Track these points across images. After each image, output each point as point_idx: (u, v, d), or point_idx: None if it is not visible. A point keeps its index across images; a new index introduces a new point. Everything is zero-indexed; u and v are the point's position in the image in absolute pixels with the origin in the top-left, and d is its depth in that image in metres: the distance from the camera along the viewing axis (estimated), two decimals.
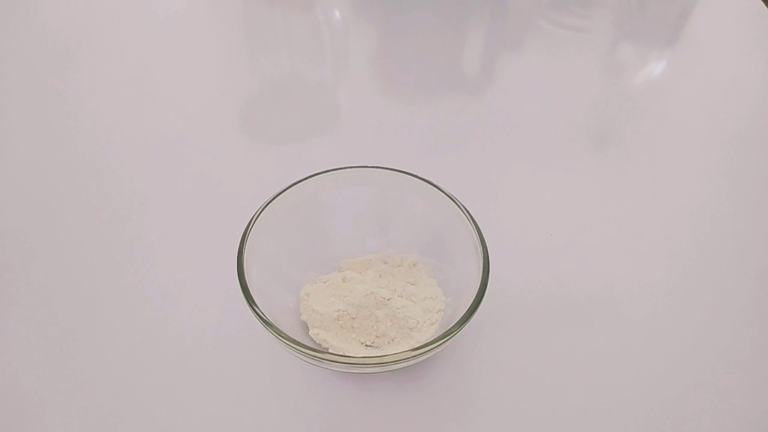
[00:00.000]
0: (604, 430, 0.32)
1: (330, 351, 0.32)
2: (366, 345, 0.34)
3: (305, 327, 0.34)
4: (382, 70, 0.59)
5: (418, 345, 0.30)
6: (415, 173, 0.36)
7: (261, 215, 0.33)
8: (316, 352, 0.29)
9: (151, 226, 0.42)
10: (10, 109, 0.52)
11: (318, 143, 0.50)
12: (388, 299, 0.34)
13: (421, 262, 0.37)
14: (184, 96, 0.54)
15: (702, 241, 0.43)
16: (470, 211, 0.34)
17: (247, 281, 0.30)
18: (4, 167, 0.46)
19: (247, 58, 0.61)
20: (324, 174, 0.36)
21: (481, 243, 0.32)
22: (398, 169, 0.36)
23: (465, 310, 0.30)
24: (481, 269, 0.31)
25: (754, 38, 0.65)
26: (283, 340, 0.29)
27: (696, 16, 0.68)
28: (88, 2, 0.66)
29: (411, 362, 0.30)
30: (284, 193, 0.35)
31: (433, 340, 0.29)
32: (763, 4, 0.68)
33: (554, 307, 0.37)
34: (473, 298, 0.30)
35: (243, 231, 0.32)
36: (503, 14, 0.68)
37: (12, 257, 0.40)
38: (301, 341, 0.29)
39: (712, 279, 0.40)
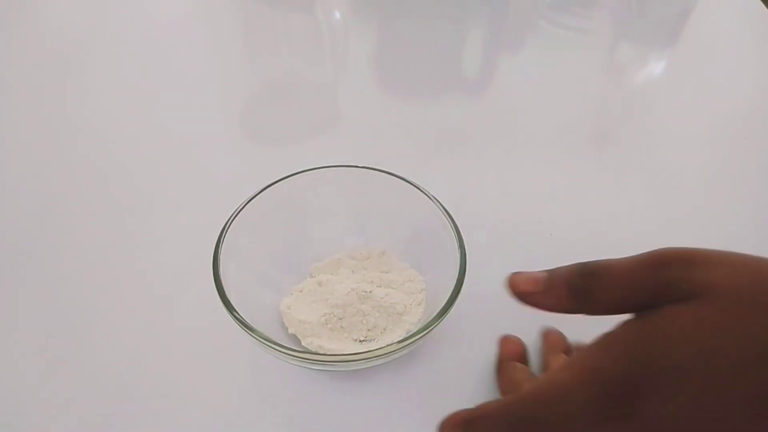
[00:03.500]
0: None
1: (327, 353, 0.32)
2: (360, 341, 0.33)
3: (296, 339, 0.34)
4: (382, 70, 0.59)
5: (412, 328, 0.30)
6: (372, 167, 0.36)
7: (225, 240, 0.33)
8: (319, 355, 0.29)
9: (150, 227, 0.42)
10: (12, 109, 0.52)
11: (318, 143, 0.50)
12: (369, 291, 0.34)
13: (389, 250, 0.37)
14: (184, 96, 0.54)
15: (702, 242, 0.42)
16: (438, 198, 0.34)
17: (244, 318, 0.30)
18: (7, 166, 0.46)
19: (247, 59, 0.61)
20: (273, 186, 0.36)
21: (448, 216, 0.33)
22: (348, 165, 0.36)
23: (449, 282, 0.30)
24: (456, 239, 0.32)
25: (754, 38, 0.65)
26: (300, 357, 0.29)
27: (696, 16, 0.68)
28: (88, 3, 0.66)
29: (410, 348, 0.30)
30: (240, 213, 0.34)
31: (442, 310, 0.29)
32: (762, 5, 0.68)
33: None
34: (453, 269, 0.31)
35: (212, 271, 0.32)
36: (503, 14, 0.68)
37: (10, 257, 0.40)
38: (299, 348, 0.29)
39: None
